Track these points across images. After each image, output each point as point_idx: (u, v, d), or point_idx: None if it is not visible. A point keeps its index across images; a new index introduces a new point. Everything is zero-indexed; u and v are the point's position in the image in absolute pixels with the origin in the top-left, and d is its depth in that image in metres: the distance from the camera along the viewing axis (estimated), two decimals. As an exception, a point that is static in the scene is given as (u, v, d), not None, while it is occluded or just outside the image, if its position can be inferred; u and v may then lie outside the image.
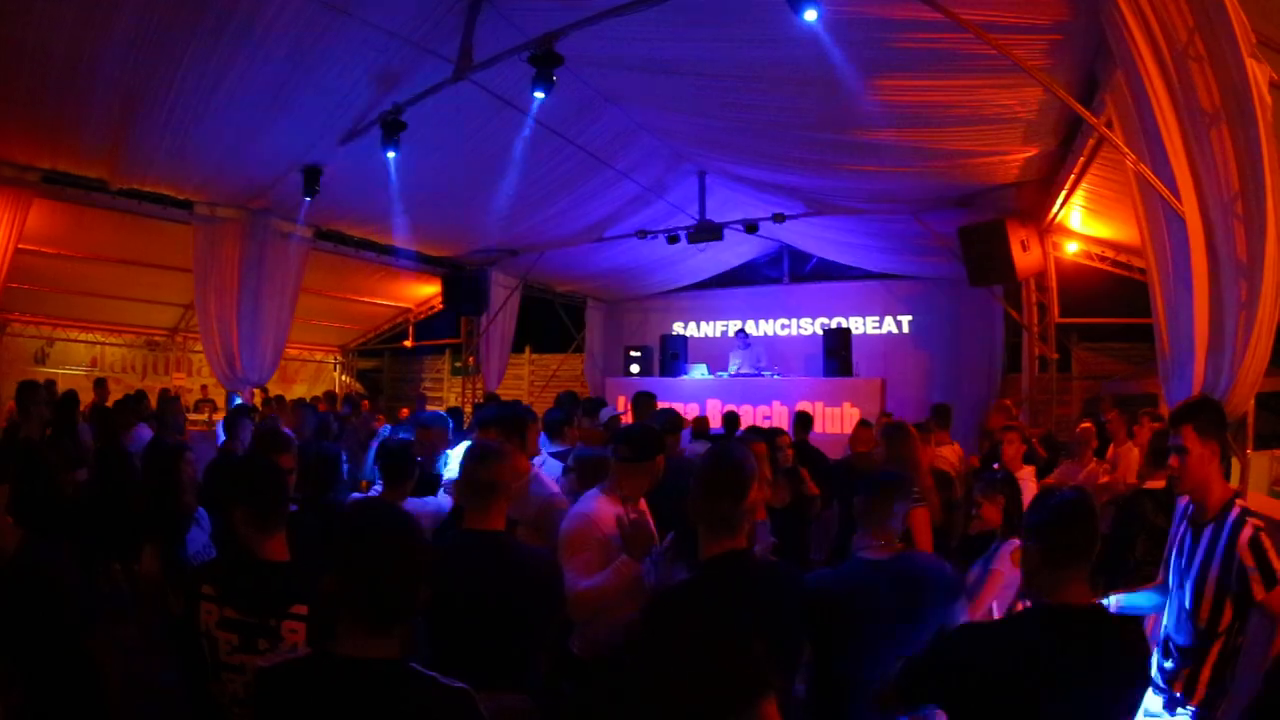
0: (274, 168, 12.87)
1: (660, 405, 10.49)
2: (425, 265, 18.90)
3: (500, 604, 4.00)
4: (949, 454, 11.26)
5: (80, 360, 20.73)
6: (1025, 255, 12.66)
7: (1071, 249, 14.39)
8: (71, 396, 11.91)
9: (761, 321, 20.74)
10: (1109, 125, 7.46)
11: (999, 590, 5.72)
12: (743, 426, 11.74)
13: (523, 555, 4.31)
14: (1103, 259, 14.31)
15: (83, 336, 20.85)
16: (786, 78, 9.19)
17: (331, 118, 11.55)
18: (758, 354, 18.37)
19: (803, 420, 12.26)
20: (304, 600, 3.51)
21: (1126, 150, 6.76)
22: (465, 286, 18.56)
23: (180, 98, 10.67)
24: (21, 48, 9.50)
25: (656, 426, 6.31)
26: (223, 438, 11.09)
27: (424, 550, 2.79)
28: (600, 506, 5.17)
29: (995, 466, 9.15)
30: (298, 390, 21.10)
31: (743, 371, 18.08)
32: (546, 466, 7.04)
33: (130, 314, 20.70)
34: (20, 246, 12.59)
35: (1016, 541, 5.37)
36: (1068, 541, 3.29)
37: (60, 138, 11.66)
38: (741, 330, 19.47)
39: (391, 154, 10.88)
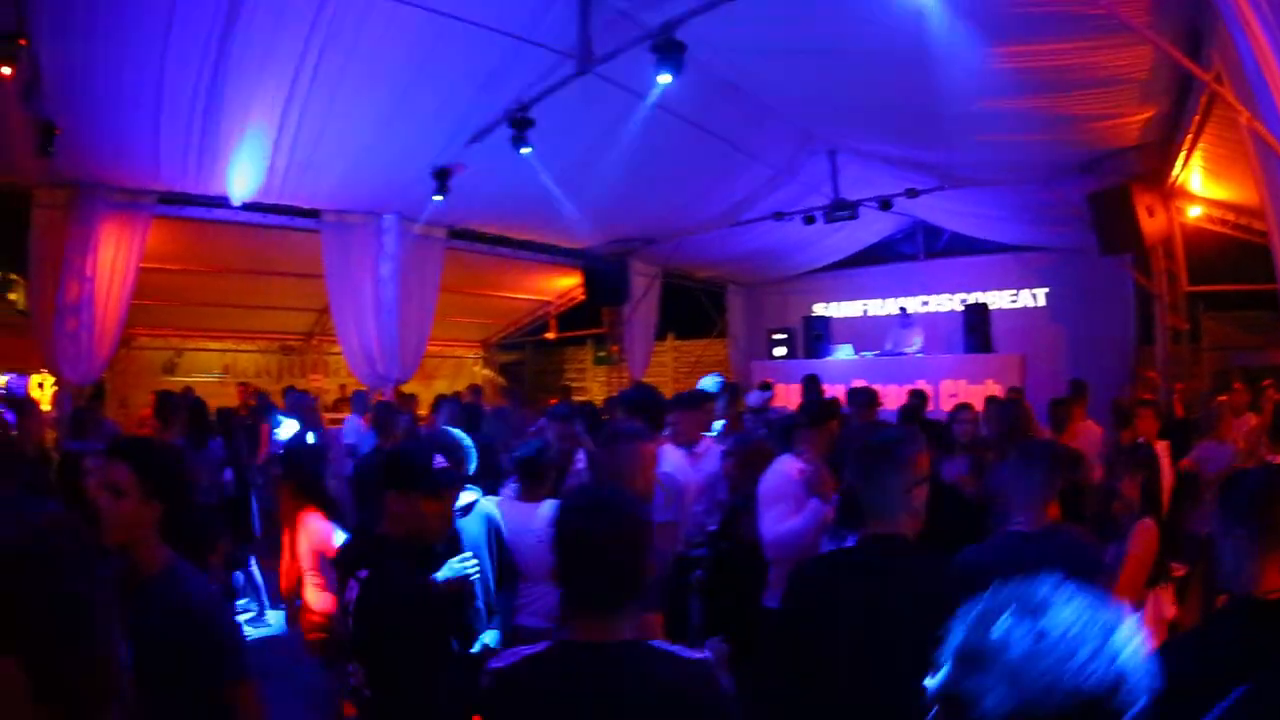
0: (403, 172, 13.09)
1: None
2: (563, 258, 18.97)
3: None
4: (1088, 432, 10.67)
5: (212, 367, 21.51)
6: (1151, 221, 12.11)
7: (1194, 213, 13.77)
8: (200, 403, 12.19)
9: (901, 299, 20.12)
10: (1218, 80, 7.21)
11: (1137, 573, 5.45)
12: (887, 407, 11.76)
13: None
14: (1224, 222, 13.65)
15: (213, 345, 21.64)
16: (908, 49, 8.98)
17: (457, 120, 11.78)
18: (915, 333, 18.08)
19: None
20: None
21: (1238, 105, 6.50)
22: (605, 277, 18.60)
23: (300, 116, 11.11)
24: (128, 85, 10.23)
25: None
26: (350, 437, 11.86)
27: (646, 527, 2.84)
28: (789, 465, 6.16)
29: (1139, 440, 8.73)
30: (439, 386, 21.29)
31: (897, 350, 17.85)
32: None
33: (262, 321, 21.30)
34: (143, 265, 13.16)
35: (1148, 521, 5.46)
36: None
37: (172, 164, 12.14)
38: (902, 309, 19.16)
39: (525, 150, 10.95)
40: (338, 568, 4.47)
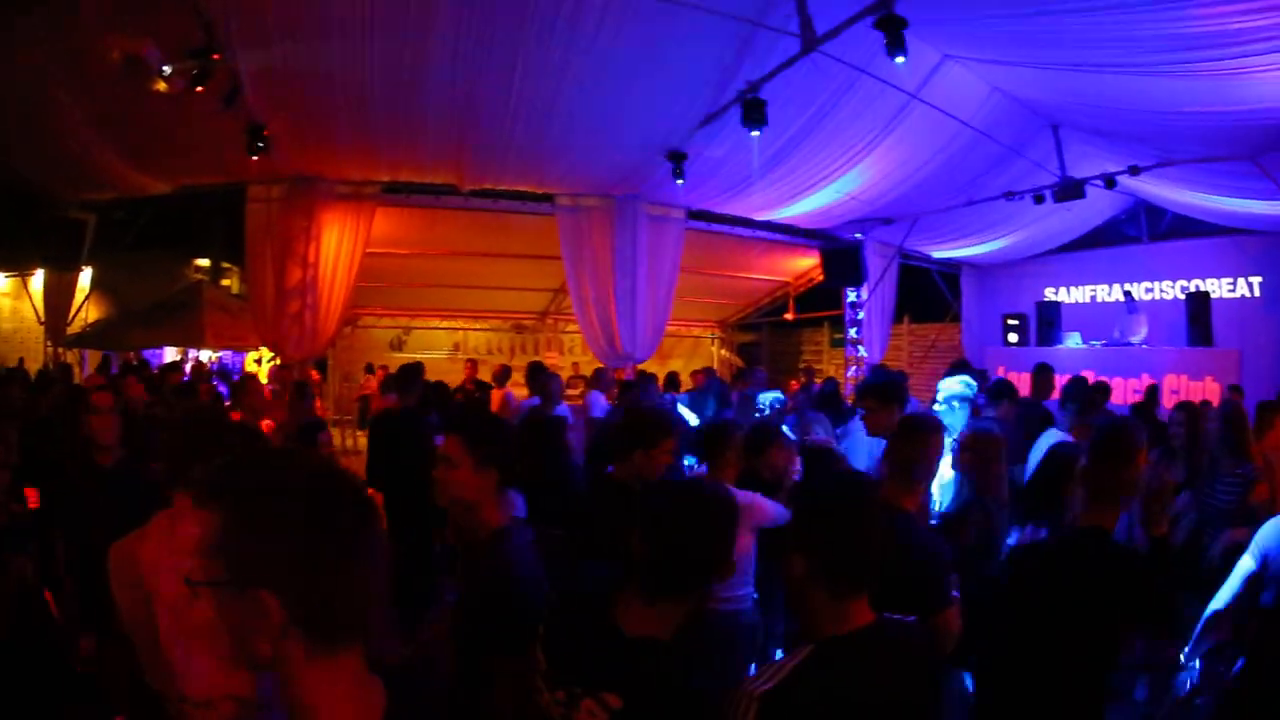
0: (635, 155, 13.04)
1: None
2: (801, 238, 18.32)
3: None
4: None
5: (441, 345, 22.34)
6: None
7: None
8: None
9: (1124, 285, 18.63)
10: None
11: None
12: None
13: (922, 535, 4.34)
14: None
15: (442, 324, 22.55)
16: (1130, 19, 8.39)
17: (688, 102, 11.58)
18: (1140, 321, 16.92)
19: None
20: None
21: None
22: (842, 258, 18.19)
23: (522, 102, 11.21)
24: (338, 80, 10.69)
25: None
26: (597, 412, 11.87)
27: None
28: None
29: None
30: (674, 365, 21.13)
31: (1124, 339, 16.83)
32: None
33: (494, 301, 21.79)
34: (370, 250, 13.85)
35: None
36: None
37: (397, 154, 12.73)
38: (1128, 294, 17.89)
39: (755, 132, 10.56)
40: None
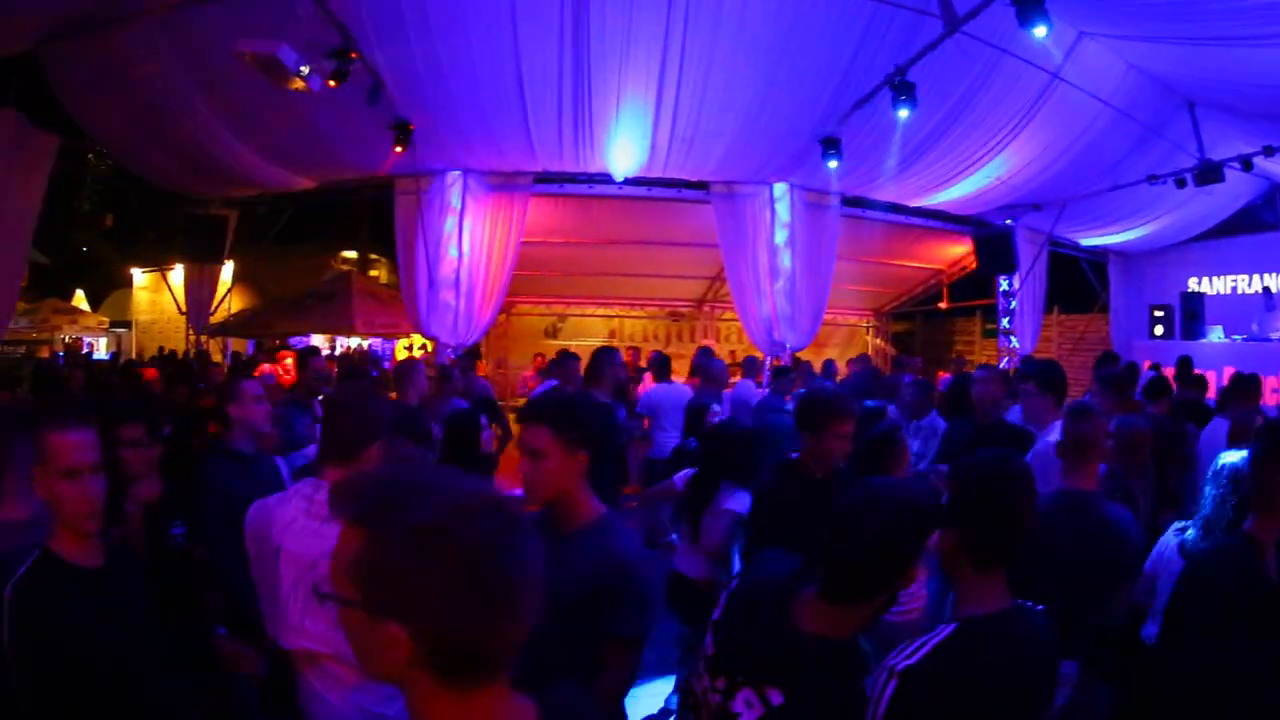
0: (788, 142, 12.93)
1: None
2: (953, 225, 17.95)
3: (1088, 560, 4.14)
4: None
5: (596, 333, 22.12)
6: None
7: None
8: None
9: (1268, 276, 17.82)
10: None
11: None
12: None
13: (1110, 515, 4.37)
14: None
15: (598, 311, 22.56)
16: None
17: (837, 86, 11.54)
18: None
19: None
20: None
21: None
22: (994, 245, 17.76)
23: (672, 90, 11.36)
24: (481, 74, 11.08)
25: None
26: (750, 399, 11.70)
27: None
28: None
29: None
30: (829, 353, 20.61)
31: (1263, 335, 16.01)
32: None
33: (650, 289, 21.85)
34: (525, 240, 14.15)
35: None
36: None
37: (546, 145, 12.86)
38: (1266, 288, 17.11)
39: (904, 113, 10.58)
40: None
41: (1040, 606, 2.80)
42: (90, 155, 18.00)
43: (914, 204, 16.38)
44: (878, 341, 24.86)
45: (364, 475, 1.66)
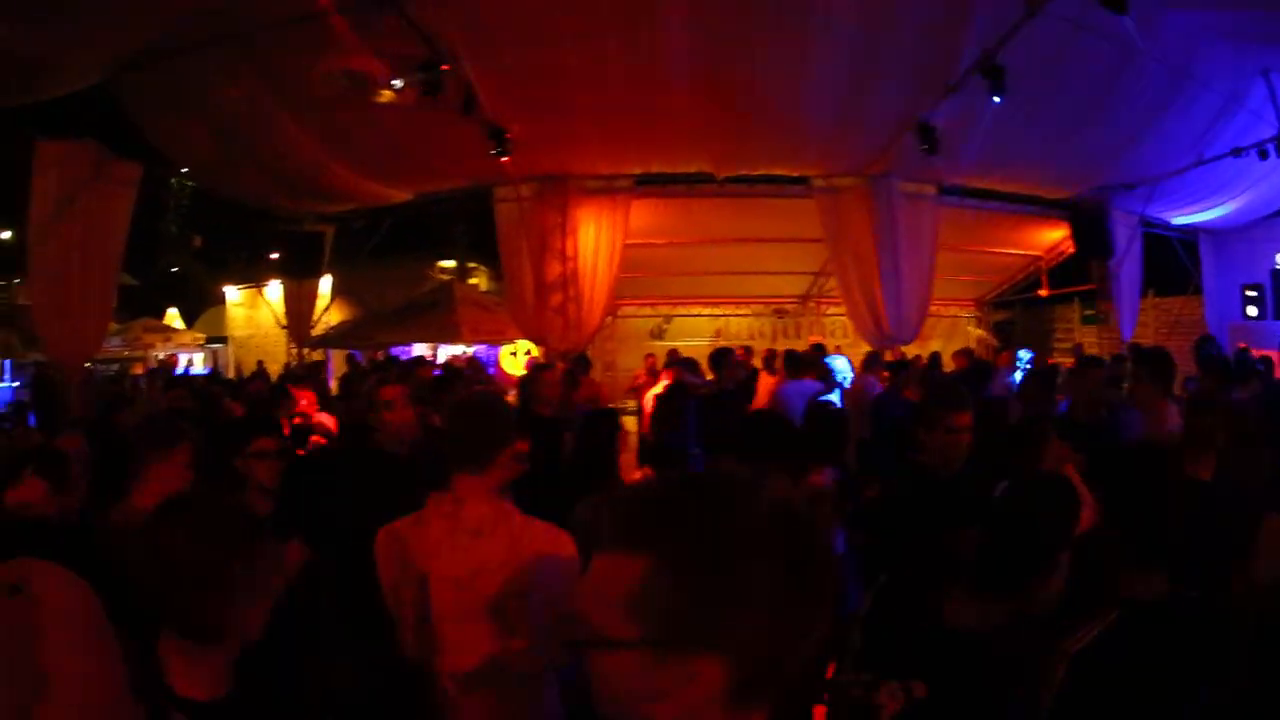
0: (884, 132, 12.89)
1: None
2: (1048, 209, 17.80)
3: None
4: None
5: (702, 332, 21.95)
6: None
7: None
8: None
9: None
10: None
11: None
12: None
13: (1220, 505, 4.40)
14: None
15: (703, 310, 22.44)
16: None
17: (930, 73, 11.51)
18: None
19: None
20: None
21: None
22: (1089, 228, 17.37)
23: (765, 87, 11.41)
24: (576, 79, 11.16)
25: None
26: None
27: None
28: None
29: None
30: (933, 346, 20.28)
31: None
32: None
33: (754, 286, 21.70)
34: (628, 242, 14.27)
35: None
36: None
37: (646, 147, 13.15)
38: None
39: (997, 99, 10.64)
40: None
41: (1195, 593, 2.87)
42: (173, 180, 18.39)
43: (1009, 189, 16.36)
44: (980, 332, 24.47)
45: (625, 494, 1.53)
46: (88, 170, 12.31)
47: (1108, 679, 2.54)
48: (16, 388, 25.58)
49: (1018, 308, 25.40)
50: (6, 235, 30.81)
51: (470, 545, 3.43)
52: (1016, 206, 17.30)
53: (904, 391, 10.44)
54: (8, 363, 28.04)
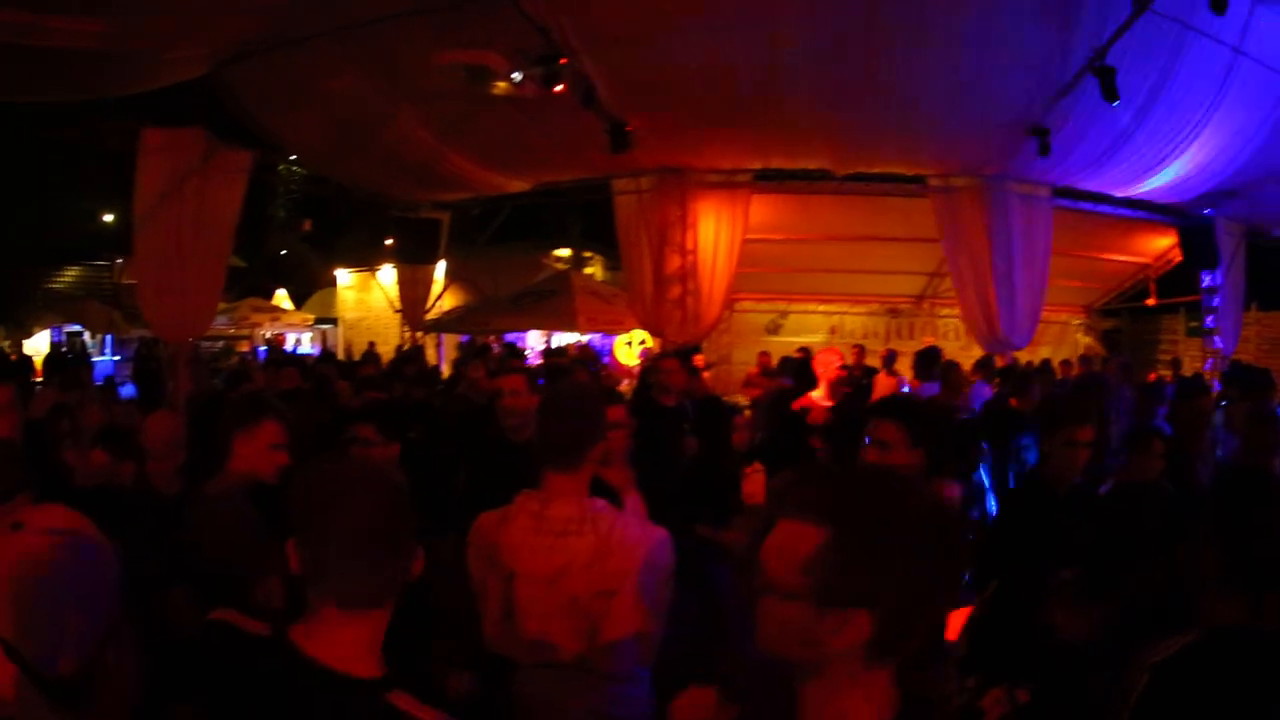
0: (998, 133, 12.72)
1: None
2: (1157, 215, 17.35)
3: None
4: None
5: (817, 329, 21.86)
6: None
7: None
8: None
9: None
10: None
11: None
12: None
13: None
14: None
15: (819, 307, 22.26)
16: None
17: (1040, 73, 11.41)
18: None
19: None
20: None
21: None
22: (1196, 237, 17.10)
23: (882, 83, 11.24)
24: (694, 74, 11.16)
25: None
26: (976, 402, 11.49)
27: None
28: None
29: None
30: (1042, 353, 19.98)
31: None
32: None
33: (870, 284, 21.49)
34: (747, 237, 14.33)
35: None
36: None
37: (766, 142, 13.17)
38: None
39: (1108, 99, 10.41)
40: None
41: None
42: (280, 167, 18.92)
43: (1119, 194, 16.01)
44: (1088, 340, 23.88)
45: (813, 474, 1.85)
46: (196, 157, 12.71)
47: (1187, 695, 2.57)
48: (117, 362, 26.84)
49: (1124, 316, 24.61)
50: (109, 218, 32.06)
51: (556, 545, 3.44)
52: (1126, 211, 16.95)
53: (1011, 399, 10.32)
54: (109, 338, 29.54)
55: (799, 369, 12.30)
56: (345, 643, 2.06)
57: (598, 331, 20.35)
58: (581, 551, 3.42)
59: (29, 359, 20.88)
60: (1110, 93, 10.31)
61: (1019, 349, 15.07)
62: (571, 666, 3.43)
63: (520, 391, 5.78)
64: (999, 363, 13.78)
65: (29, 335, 29.38)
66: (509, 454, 5.36)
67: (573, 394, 4.06)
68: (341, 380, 11.24)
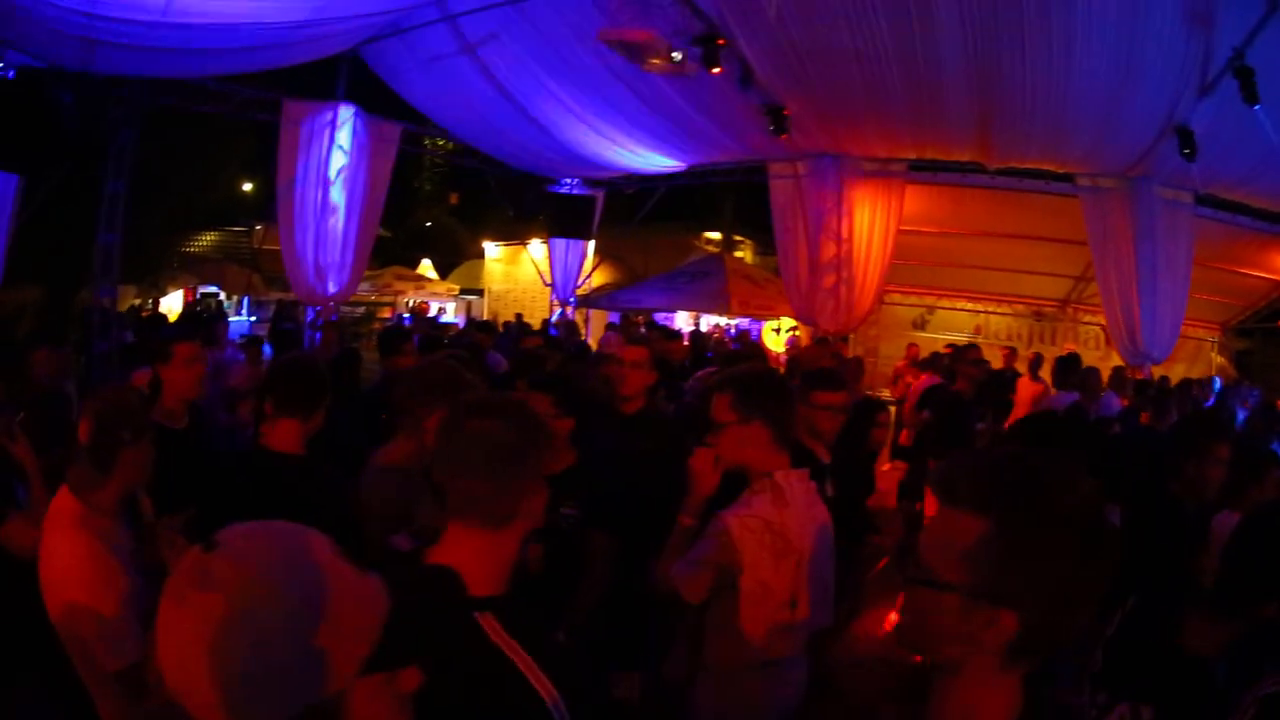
0: (1142, 133, 12.36)
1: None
2: None
3: None
4: None
5: (962, 328, 21.40)
6: None
7: None
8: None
9: None
10: None
11: None
12: None
13: None
14: None
15: (965, 305, 22.07)
16: None
17: (1180, 72, 10.99)
18: None
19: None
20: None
21: None
22: None
23: (1032, 78, 11.18)
24: (851, 60, 11.18)
25: None
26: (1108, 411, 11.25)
27: None
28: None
29: None
30: (1178, 370, 19.29)
31: None
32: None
33: (1015, 285, 20.93)
34: (900, 228, 14.43)
35: None
36: None
37: (920, 132, 13.28)
38: None
39: (1254, 104, 9.99)
40: None
41: None
42: (426, 141, 19.37)
43: (1259, 205, 15.37)
44: (1220, 359, 22.60)
45: (973, 459, 1.73)
46: (348, 130, 13.54)
47: None
48: (253, 322, 27.86)
49: (1257, 336, 23.51)
50: (249, 187, 33.55)
51: (810, 519, 3.49)
52: (1267, 225, 16.15)
53: (1141, 415, 10.04)
54: (246, 299, 31.00)
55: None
56: (464, 557, 2.11)
57: (749, 316, 20.39)
58: (821, 520, 3.59)
59: (163, 316, 21.56)
60: (1251, 95, 9.94)
61: (1157, 363, 14.60)
62: (808, 637, 3.54)
63: (642, 364, 5.61)
64: (1134, 374, 13.39)
65: (164, 294, 31.26)
66: (617, 425, 5.49)
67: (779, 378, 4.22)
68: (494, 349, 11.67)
